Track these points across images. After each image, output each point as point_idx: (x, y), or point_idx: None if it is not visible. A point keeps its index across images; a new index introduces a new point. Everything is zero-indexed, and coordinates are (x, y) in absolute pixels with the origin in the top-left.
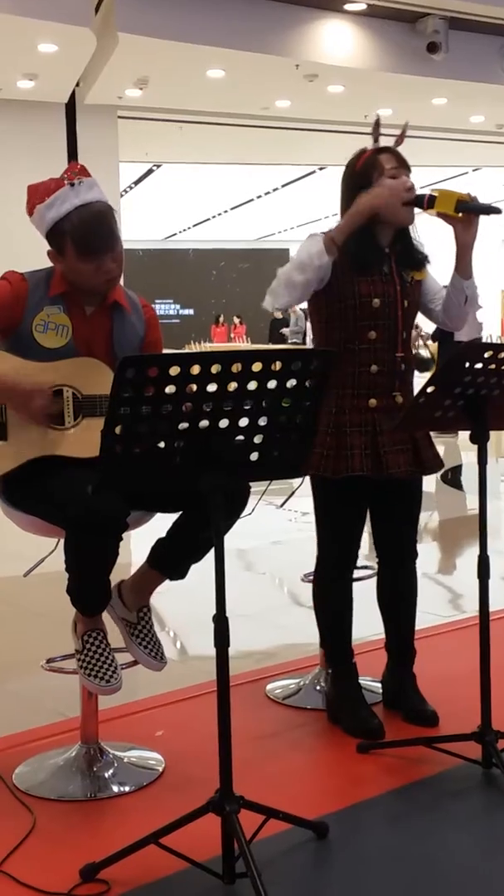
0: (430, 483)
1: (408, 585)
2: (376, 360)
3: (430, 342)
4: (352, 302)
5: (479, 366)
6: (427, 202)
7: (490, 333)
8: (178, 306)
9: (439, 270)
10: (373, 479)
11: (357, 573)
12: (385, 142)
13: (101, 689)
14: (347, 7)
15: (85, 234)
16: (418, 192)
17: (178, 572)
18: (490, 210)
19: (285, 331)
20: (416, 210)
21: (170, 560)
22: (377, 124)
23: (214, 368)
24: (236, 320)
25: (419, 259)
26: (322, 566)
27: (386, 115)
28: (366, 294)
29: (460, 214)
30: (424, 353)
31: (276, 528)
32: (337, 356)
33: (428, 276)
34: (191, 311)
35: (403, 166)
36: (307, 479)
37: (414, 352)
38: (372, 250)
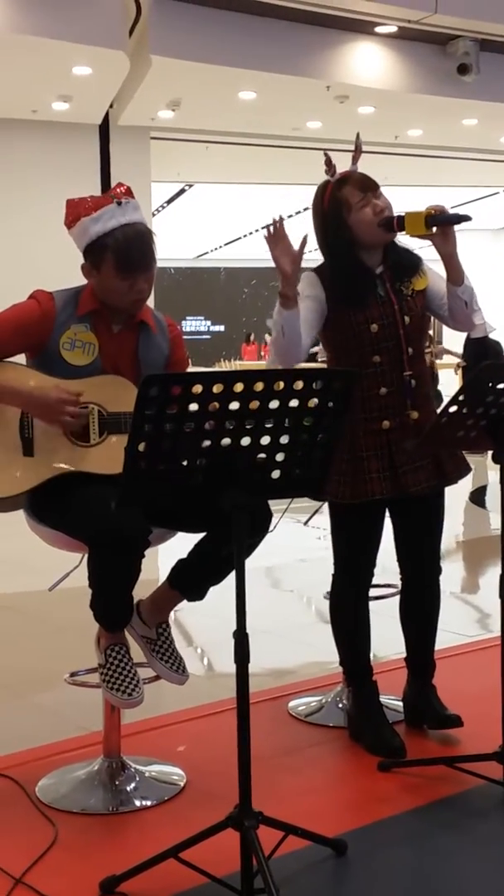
0: (459, 502)
1: (431, 600)
2: (384, 382)
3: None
4: (351, 332)
5: (501, 386)
6: (397, 225)
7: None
8: (208, 323)
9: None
10: (392, 499)
11: (378, 591)
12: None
13: (124, 702)
14: (378, 30)
15: (126, 250)
16: (405, 212)
17: (198, 593)
18: (460, 219)
19: (315, 349)
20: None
21: (190, 581)
22: (328, 162)
23: (237, 387)
24: (267, 338)
25: (414, 264)
26: (339, 586)
27: (416, 135)
28: (363, 321)
29: (434, 230)
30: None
31: (303, 545)
32: (358, 376)
33: (431, 282)
34: (221, 328)
35: (370, 189)
36: None
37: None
38: (362, 278)
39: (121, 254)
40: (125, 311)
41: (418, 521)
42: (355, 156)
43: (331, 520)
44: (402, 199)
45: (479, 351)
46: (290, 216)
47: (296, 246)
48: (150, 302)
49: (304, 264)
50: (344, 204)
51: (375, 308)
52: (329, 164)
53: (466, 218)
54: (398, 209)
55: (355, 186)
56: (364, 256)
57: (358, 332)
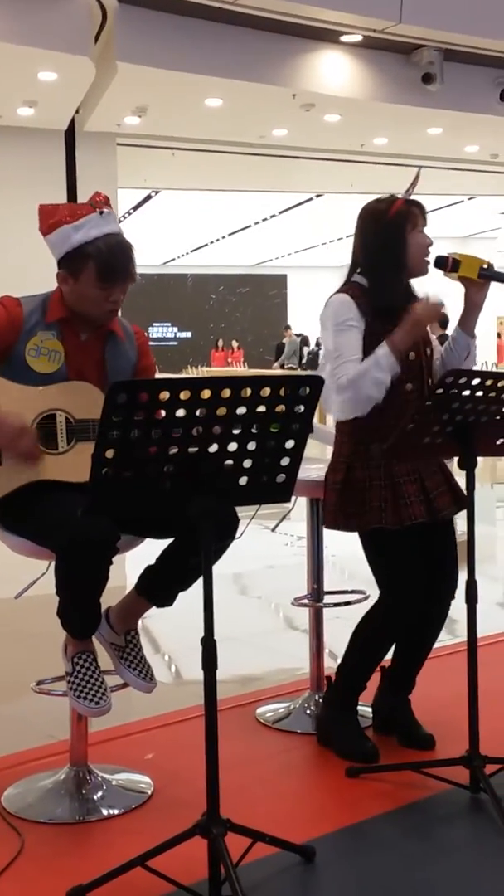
0: None
1: (440, 621)
2: (412, 409)
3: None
4: None
5: (466, 393)
6: (451, 266)
7: (486, 360)
8: (175, 329)
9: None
10: (423, 526)
11: (345, 597)
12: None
13: (91, 710)
14: (343, 38)
15: (110, 261)
16: (459, 255)
17: (166, 600)
18: None
19: (284, 360)
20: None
21: (157, 587)
22: (415, 181)
23: (205, 393)
24: (234, 344)
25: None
26: (393, 613)
27: (381, 144)
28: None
29: (480, 280)
30: None
31: (271, 552)
32: (322, 382)
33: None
34: (188, 334)
35: (426, 225)
36: (299, 502)
37: None
38: (404, 297)
39: (104, 263)
40: (97, 320)
41: (443, 547)
42: (409, 190)
43: (371, 552)
44: None
45: None
46: (256, 223)
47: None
48: None
49: (306, 262)
50: (410, 220)
51: None
52: (415, 182)
53: None
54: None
55: (422, 213)
56: (405, 280)
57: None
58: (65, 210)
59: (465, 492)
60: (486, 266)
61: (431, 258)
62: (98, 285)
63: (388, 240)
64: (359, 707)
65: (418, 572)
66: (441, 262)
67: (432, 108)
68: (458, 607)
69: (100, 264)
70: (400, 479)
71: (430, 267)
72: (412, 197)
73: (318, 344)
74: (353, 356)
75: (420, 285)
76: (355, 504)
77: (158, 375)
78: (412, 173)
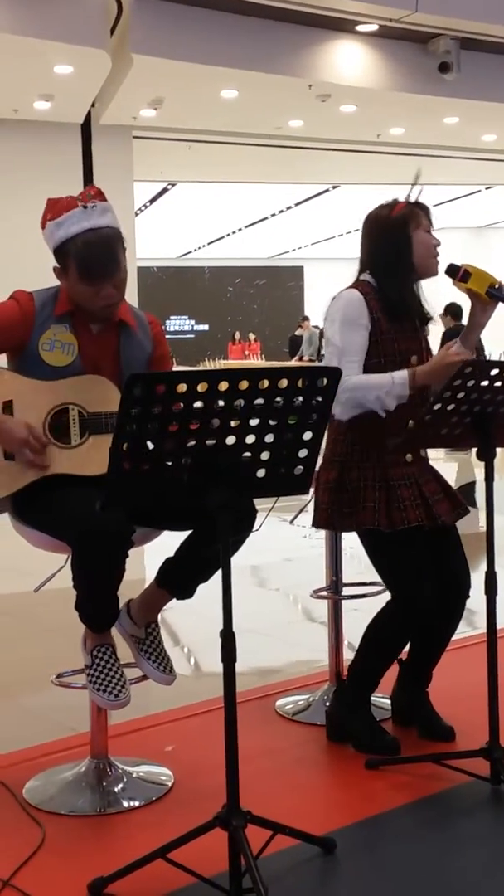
0: None
1: (456, 621)
2: (412, 415)
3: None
4: (392, 358)
5: (485, 383)
6: (461, 276)
7: (490, 351)
8: (192, 322)
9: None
10: (426, 531)
11: (362, 589)
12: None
13: (110, 703)
14: (359, 28)
15: (88, 258)
16: (472, 267)
17: (186, 592)
18: None
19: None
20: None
21: (178, 579)
22: (417, 178)
23: (222, 385)
24: (251, 337)
25: (428, 315)
26: (403, 614)
27: (398, 134)
28: (405, 351)
29: (487, 297)
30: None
31: (289, 544)
32: (340, 373)
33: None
34: (206, 327)
35: (431, 226)
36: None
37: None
38: (411, 297)
39: (82, 261)
40: (100, 316)
41: (451, 550)
42: (413, 187)
43: (370, 553)
44: (385, 197)
45: None
46: (272, 215)
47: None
48: (134, 301)
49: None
50: (413, 219)
51: (414, 341)
52: (416, 181)
53: None
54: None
55: (425, 214)
56: (413, 279)
57: (399, 360)
58: (57, 205)
59: (457, 493)
60: (496, 286)
61: (442, 262)
62: (82, 282)
63: (393, 240)
64: (377, 699)
65: (420, 575)
66: (453, 270)
67: (449, 98)
68: (477, 599)
69: (79, 263)
70: (395, 482)
71: (442, 273)
72: (414, 198)
73: (320, 336)
74: (358, 356)
75: (433, 295)
76: (349, 504)
77: (176, 369)
78: (429, 163)
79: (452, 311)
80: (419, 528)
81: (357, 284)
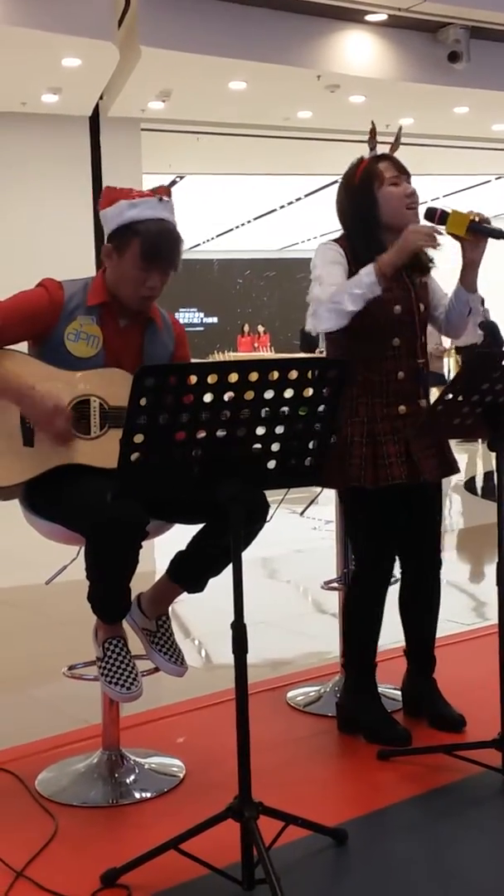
0: (456, 490)
1: (432, 593)
2: (401, 366)
3: (454, 353)
4: (373, 308)
5: (497, 373)
6: (438, 218)
7: None
8: (202, 314)
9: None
10: (405, 487)
11: None
12: (399, 150)
13: (122, 696)
14: (368, 18)
15: (156, 241)
16: (451, 210)
17: (198, 585)
18: (500, 234)
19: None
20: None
21: (189, 573)
22: (373, 132)
23: (232, 377)
24: (260, 329)
25: (426, 264)
26: (360, 578)
27: (407, 124)
28: (387, 301)
29: (469, 236)
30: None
31: (299, 536)
32: (353, 365)
33: (431, 281)
34: (215, 320)
35: (403, 173)
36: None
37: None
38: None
39: (149, 243)
40: (133, 306)
41: (423, 511)
42: (394, 147)
43: (349, 508)
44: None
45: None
46: (282, 206)
47: None
48: None
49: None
50: (377, 177)
51: (397, 290)
52: (373, 133)
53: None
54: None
55: (392, 164)
56: (384, 236)
57: (381, 311)
58: (127, 190)
59: (455, 461)
60: (475, 220)
61: (421, 211)
62: (139, 265)
63: (357, 203)
64: (388, 690)
65: (389, 537)
66: (430, 214)
67: (459, 87)
68: (488, 590)
69: (145, 243)
70: (381, 437)
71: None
72: (390, 152)
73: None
74: (337, 284)
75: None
76: (338, 459)
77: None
78: (439, 153)
79: (459, 349)
80: (399, 486)
81: (337, 239)
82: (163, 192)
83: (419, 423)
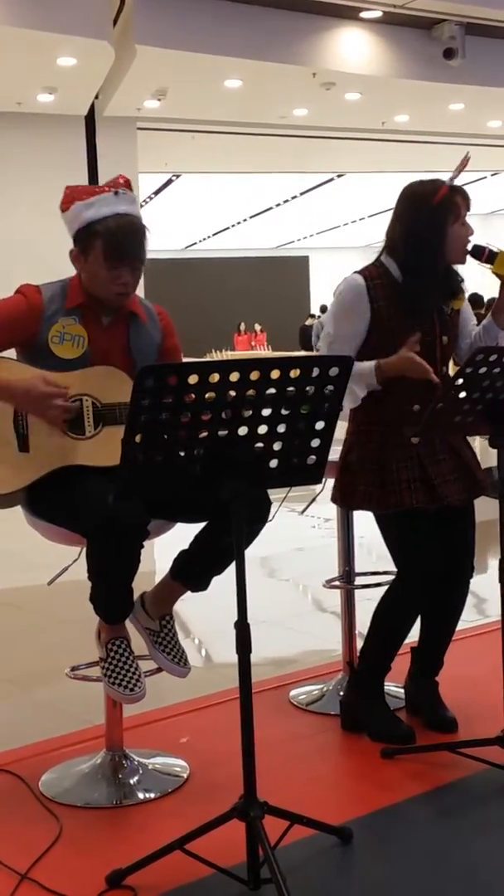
0: None
1: (459, 598)
2: (416, 399)
3: None
4: (392, 344)
5: (497, 370)
6: (486, 257)
7: None
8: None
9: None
10: (431, 510)
11: (377, 579)
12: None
13: (125, 697)
14: (363, 15)
15: (117, 239)
16: (498, 249)
17: (200, 584)
18: None
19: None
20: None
21: (192, 572)
22: (464, 163)
23: (233, 376)
24: (257, 328)
25: (458, 286)
26: (402, 593)
27: (403, 121)
28: (407, 334)
29: None
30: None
31: (299, 534)
32: (353, 361)
33: (464, 309)
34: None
35: (468, 211)
36: (328, 484)
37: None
38: (433, 291)
39: (111, 242)
40: (111, 304)
41: (454, 527)
42: (460, 169)
43: (381, 530)
44: (390, 185)
45: None
46: (277, 205)
47: None
48: (140, 292)
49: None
50: (454, 210)
51: (419, 327)
52: (464, 164)
53: None
54: (392, 198)
55: (465, 202)
56: (439, 267)
57: (401, 345)
58: (83, 189)
59: (485, 477)
60: None
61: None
62: (105, 265)
63: (427, 232)
64: (392, 688)
65: (426, 554)
66: (477, 252)
67: (454, 84)
68: (489, 587)
69: (106, 243)
70: (393, 465)
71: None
72: (457, 182)
73: (322, 309)
74: (347, 344)
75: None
76: (348, 485)
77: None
78: (434, 150)
79: (472, 299)
80: (423, 509)
81: (366, 269)
82: (118, 185)
83: (423, 421)
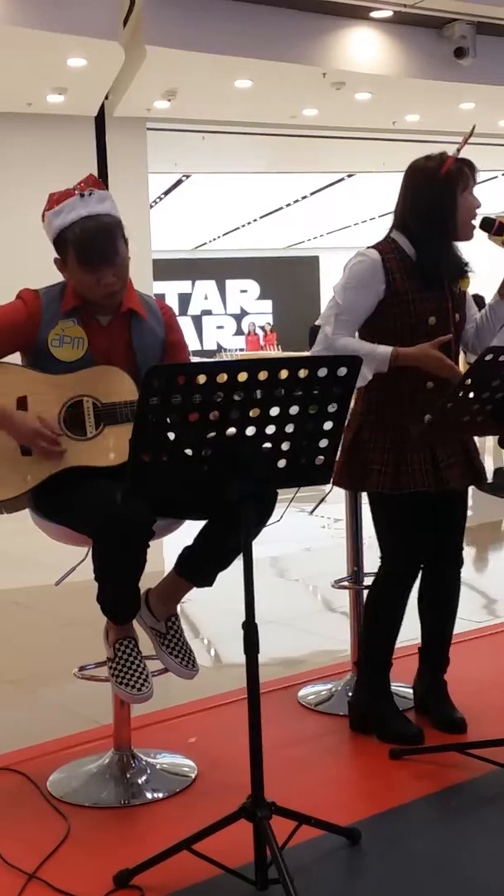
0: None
1: (452, 593)
2: (431, 376)
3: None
4: (408, 321)
5: None
6: (496, 229)
7: None
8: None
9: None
10: (432, 493)
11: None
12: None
13: (133, 697)
14: (374, 14)
15: (86, 245)
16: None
17: (206, 579)
18: None
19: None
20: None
21: (197, 567)
22: (471, 133)
23: (241, 376)
24: (267, 328)
25: (464, 268)
26: (384, 578)
27: (413, 121)
28: (422, 312)
29: None
30: None
31: (309, 534)
32: (360, 361)
33: (469, 288)
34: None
35: (475, 183)
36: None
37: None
38: (446, 263)
39: (81, 248)
40: (100, 304)
41: (448, 514)
42: (465, 140)
43: (375, 509)
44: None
45: None
46: (287, 205)
47: None
48: (149, 289)
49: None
50: (462, 180)
51: (434, 300)
52: (470, 134)
53: None
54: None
55: (472, 173)
56: (450, 239)
57: (415, 322)
58: (57, 196)
59: (483, 469)
60: None
61: (477, 221)
62: (82, 270)
63: (437, 201)
64: (400, 689)
65: (417, 538)
66: (487, 224)
67: (465, 83)
68: (498, 588)
69: (77, 249)
70: (406, 445)
71: (476, 231)
72: (462, 155)
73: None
74: (352, 317)
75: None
76: (359, 464)
77: (192, 360)
78: (445, 150)
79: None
80: (425, 492)
81: (379, 244)
82: (84, 186)
83: (429, 420)
